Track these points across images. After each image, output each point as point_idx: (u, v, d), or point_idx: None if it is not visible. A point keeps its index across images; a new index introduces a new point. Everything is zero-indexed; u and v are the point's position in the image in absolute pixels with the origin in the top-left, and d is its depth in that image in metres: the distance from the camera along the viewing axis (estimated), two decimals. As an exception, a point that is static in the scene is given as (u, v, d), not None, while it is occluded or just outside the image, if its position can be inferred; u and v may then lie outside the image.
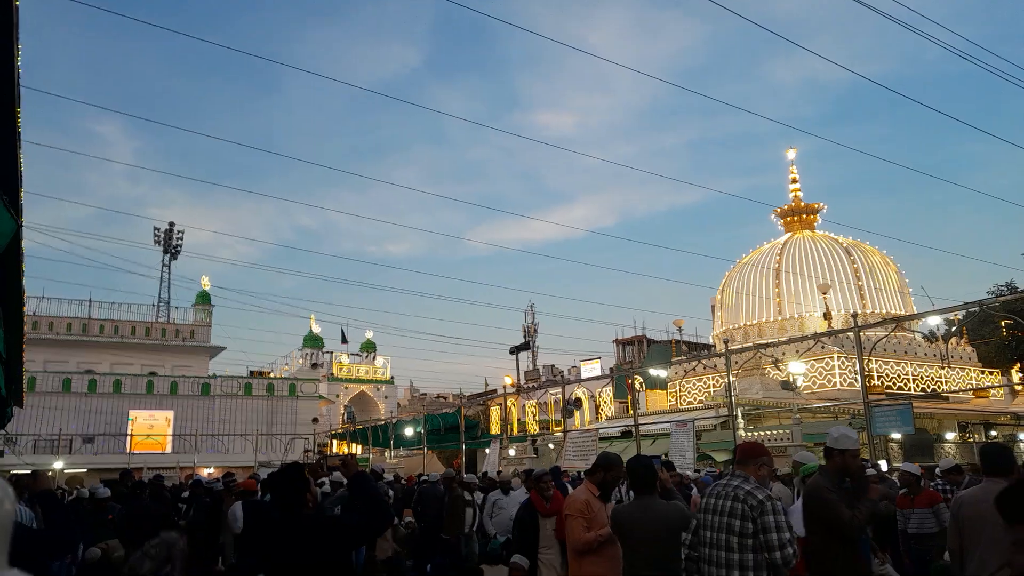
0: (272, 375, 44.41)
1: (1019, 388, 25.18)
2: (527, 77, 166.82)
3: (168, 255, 47.75)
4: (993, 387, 27.52)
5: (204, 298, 44.52)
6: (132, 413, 34.96)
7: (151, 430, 34.92)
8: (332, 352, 46.30)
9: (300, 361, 45.59)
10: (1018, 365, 20.87)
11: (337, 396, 44.29)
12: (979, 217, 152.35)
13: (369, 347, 48.18)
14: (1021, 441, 24.03)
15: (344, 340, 46.93)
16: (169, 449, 34.21)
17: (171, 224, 48.28)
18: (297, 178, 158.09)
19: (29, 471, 17.31)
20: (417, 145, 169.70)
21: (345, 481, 8.18)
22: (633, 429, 19.37)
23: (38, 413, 32.16)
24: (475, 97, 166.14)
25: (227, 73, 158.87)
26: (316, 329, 46.67)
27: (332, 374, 44.75)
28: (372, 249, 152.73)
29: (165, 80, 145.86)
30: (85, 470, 26.55)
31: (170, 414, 35.80)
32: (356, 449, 36.08)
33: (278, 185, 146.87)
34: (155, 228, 48.25)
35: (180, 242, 48.30)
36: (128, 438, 33.68)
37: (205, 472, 27.00)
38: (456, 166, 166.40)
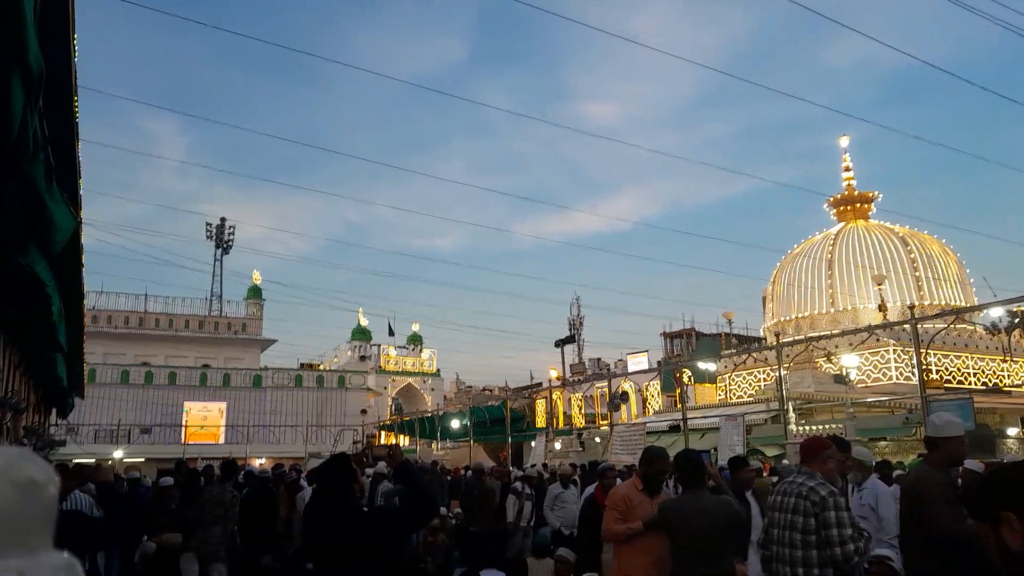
0: (322, 367, 45.14)
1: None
2: (572, 67, 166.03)
3: (220, 250, 48.82)
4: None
5: (255, 292, 45.44)
6: (186, 404, 35.93)
7: (205, 421, 35.84)
8: (380, 345, 46.85)
9: (349, 353, 46.23)
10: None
11: (385, 388, 44.81)
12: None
13: (415, 340, 48.61)
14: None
15: (391, 333, 47.49)
16: (222, 440, 35.05)
17: (223, 219, 49.38)
18: (344, 173, 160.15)
19: (91, 460, 17.91)
20: (461, 138, 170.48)
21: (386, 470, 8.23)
22: (681, 423, 19.16)
23: (98, 404, 33.25)
24: (519, 89, 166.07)
25: (274, 69, 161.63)
26: (364, 322, 47.30)
27: (380, 367, 45.28)
28: (418, 243, 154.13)
29: (213, 76, 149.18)
30: (143, 459, 27.37)
31: (223, 405, 36.68)
32: (403, 441, 36.48)
33: (326, 180, 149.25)
34: (207, 223, 49.43)
35: (232, 237, 49.38)
36: (183, 429, 34.61)
37: (256, 463, 27.56)
38: (500, 158, 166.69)
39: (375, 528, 3.61)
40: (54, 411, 22.06)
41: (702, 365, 27.66)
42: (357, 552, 3.48)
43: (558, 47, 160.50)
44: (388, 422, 39.01)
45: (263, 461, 28.66)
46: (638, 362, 40.94)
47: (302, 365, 44.44)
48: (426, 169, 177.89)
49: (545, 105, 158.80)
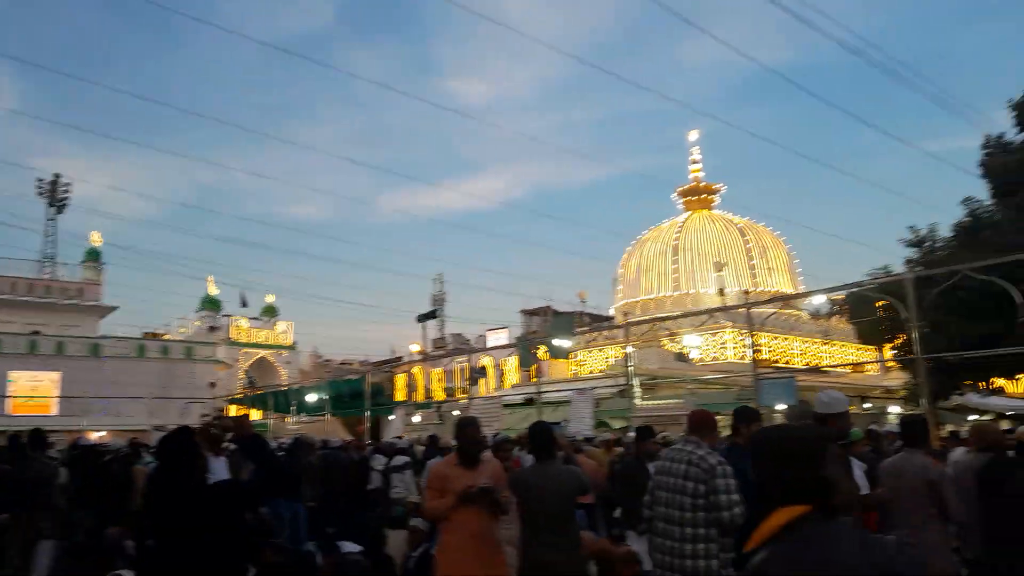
0: (167, 337, 42.82)
1: (891, 364, 27.22)
2: (443, 42, 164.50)
3: (53, 208, 44.92)
4: (868, 362, 29.67)
5: (93, 255, 42.23)
6: (12, 374, 33.11)
7: (35, 392, 33.20)
8: (231, 316, 45.00)
9: (197, 324, 44.09)
10: (890, 344, 22.56)
11: (236, 360, 43.13)
12: (864, 203, 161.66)
13: (270, 312, 47.03)
14: (890, 413, 26.09)
15: (244, 304, 45.65)
16: (55, 412, 32.63)
17: (56, 175, 45.37)
18: (199, 135, 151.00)
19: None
20: (327, 105, 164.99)
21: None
22: (536, 396, 19.92)
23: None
24: (389, 59, 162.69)
25: (126, 21, 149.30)
26: (215, 291, 45.19)
27: (231, 338, 43.50)
28: (277, 210, 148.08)
29: (57, 24, 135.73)
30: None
31: (56, 376, 34.10)
32: (256, 415, 35.42)
33: (180, 141, 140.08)
34: (38, 179, 45.28)
35: (67, 195, 45.49)
36: (6, 400, 31.91)
37: (94, 436, 25.98)
38: (367, 129, 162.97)
39: (219, 502, 3.54)
40: None
41: (557, 342, 28.69)
42: (200, 527, 3.40)
43: (429, 20, 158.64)
44: (239, 395, 37.71)
45: (103, 434, 27.05)
46: (498, 338, 41.80)
47: (145, 335, 42.00)
48: (288, 136, 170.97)
49: (415, 78, 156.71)
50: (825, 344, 30.17)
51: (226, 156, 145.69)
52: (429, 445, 13.00)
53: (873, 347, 27.96)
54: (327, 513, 11.28)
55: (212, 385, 37.77)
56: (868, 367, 30.74)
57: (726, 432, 6.00)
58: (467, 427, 5.10)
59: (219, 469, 9.46)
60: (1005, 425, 12.32)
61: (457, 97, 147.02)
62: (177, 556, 3.47)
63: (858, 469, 5.38)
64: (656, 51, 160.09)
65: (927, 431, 5.19)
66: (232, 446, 8.54)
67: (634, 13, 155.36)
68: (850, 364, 29.36)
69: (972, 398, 20.90)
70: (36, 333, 36.06)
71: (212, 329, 43.35)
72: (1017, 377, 17.78)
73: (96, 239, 42.75)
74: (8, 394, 32.33)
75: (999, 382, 20.88)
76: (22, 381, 33.28)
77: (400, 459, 11.91)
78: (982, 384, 19.37)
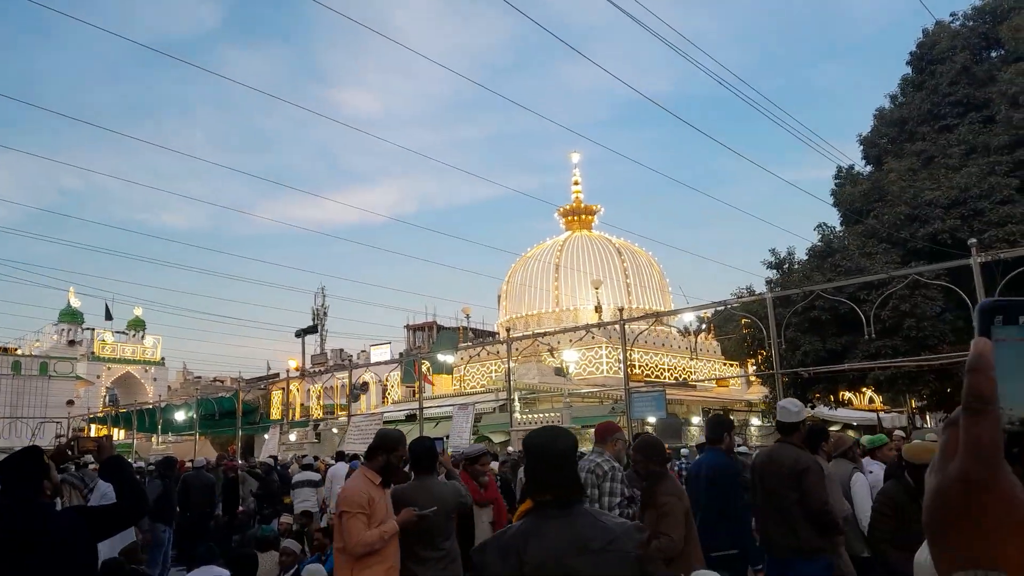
0: (19, 352, 39.70)
1: (752, 379, 28.92)
2: (331, 52, 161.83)
3: None
4: (732, 376, 31.35)
5: (-66, 263, 38.80)
6: None
7: None
8: (94, 329, 42.29)
9: (55, 337, 41.14)
10: (752, 360, 24.01)
11: (98, 377, 40.55)
12: (730, 226, 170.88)
13: (138, 325, 44.55)
14: (752, 424, 27.69)
15: (109, 316, 43.06)
16: None
17: None
18: (66, 136, 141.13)
19: None
20: (203, 109, 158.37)
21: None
22: (418, 412, 19.87)
23: None
24: (273, 64, 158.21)
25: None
26: (76, 303, 42.37)
27: (94, 353, 40.86)
28: (144, 217, 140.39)
29: None
30: None
31: None
32: (119, 434, 33.36)
33: (38, 141, 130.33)
34: None
35: (-96, 196, 41.56)
36: None
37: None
38: (246, 136, 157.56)
39: (69, 529, 3.30)
40: None
41: (441, 357, 28.79)
42: (47, 556, 3.18)
43: (317, 28, 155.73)
44: (101, 414, 35.43)
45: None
46: (381, 353, 41.35)
47: (-5, 349, 38.82)
48: (160, 140, 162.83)
49: (300, 86, 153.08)
50: (693, 359, 31.64)
51: (92, 159, 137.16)
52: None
53: (737, 363, 29.63)
54: (193, 535, 10.89)
55: (70, 403, 35.35)
56: (732, 382, 32.49)
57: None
58: (402, 444, 4.80)
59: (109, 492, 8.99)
60: (852, 435, 13.43)
61: (344, 108, 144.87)
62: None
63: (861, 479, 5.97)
64: (543, 73, 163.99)
65: (730, 427, 5.94)
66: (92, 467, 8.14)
67: (523, 34, 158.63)
68: (715, 379, 30.91)
69: (823, 410, 22.53)
70: None
71: (72, 343, 40.60)
72: (862, 390, 19.36)
73: (-62, 245, 39.25)
74: None
75: (847, 395, 22.61)
76: None
77: (307, 474, 11.91)
78: (831, 397, 20.91)
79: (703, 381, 29.06)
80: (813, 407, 21.74)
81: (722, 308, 19.61)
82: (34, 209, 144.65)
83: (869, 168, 24.01)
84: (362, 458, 4.99)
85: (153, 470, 10.94)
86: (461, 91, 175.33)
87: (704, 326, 29.94)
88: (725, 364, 32.15)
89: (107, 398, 40.98)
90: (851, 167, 24.59)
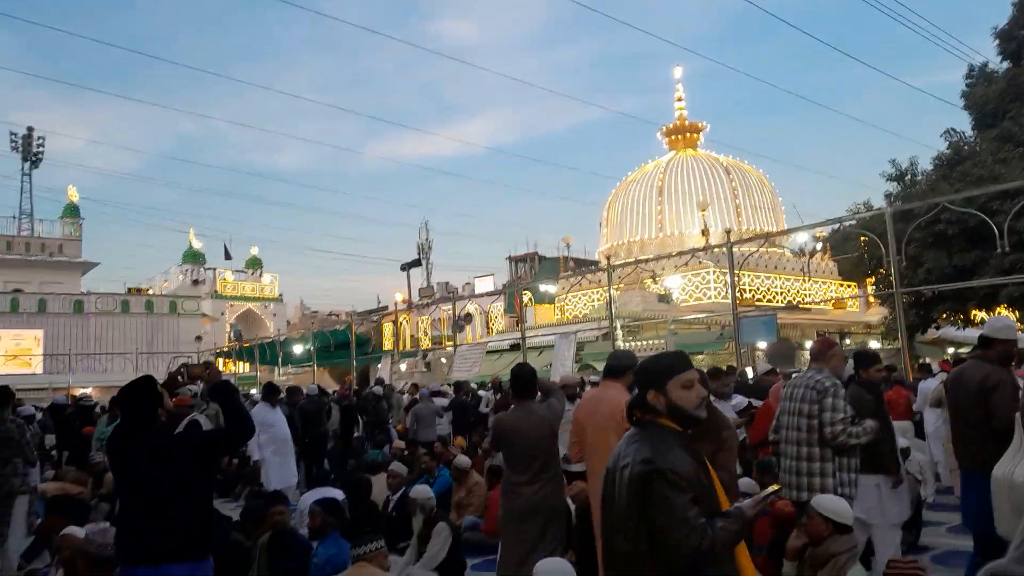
0: (150, 292, 42.58)
1: (871, 300, 27.44)
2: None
3: (28, 163, 44.05)
4: (848, 297, 29.90)
5: (72, 211, 41.68)
6: (-7, 333, 33.02)
7: (17, 349, 33.09)
8: (215, 269, 44.73)
9: (180, 278, 43.82)
10: (872, 279, 22.70)
11: (222, 314, 43.04)
12: (850, 140, 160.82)
13: (255, 264, 46.75)
14: (873, 348, 26.40)
15: (228, 256, 45.36)
16: (40, 370, 32.58)
17: (30, 128, 44.36)
18: (176, 83, 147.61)
19: None
20: (311, 52, 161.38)
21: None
22: (521, 342, 20.01)
23: None
24: (373, 2, 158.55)
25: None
26: (197, 244, 44.83)
27: (217, 291, 43.31)
28: (259, 159, 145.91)
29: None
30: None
31: (39, 333, 33.98)
32: (244, 367, 35.50)
33: (155, 90, 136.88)
34: (11, 133, 44.27)
35: (41, 149, 44.58)
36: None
37: (79, 391, 26.04)
38: (351, 75, 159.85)
39: (180, 452, 3.49)
40: None
41: (542, 287, 28.82)
42: (161, 477, 3.37)
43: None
44: (226, 349, 37.74)
45: (89, 390, 27.10)
46: (485, 284, 41.84)
47: (129, 290, 41.75)
48: (269, 82, 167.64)
49: (401, 20, 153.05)
50: (807, 281, 30.31)
51: (205, 105, 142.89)
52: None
53: (855, 283, 28.13)
54: (310, 459, 11.40)
55: (198, 339, 37.75)
56: (849, 304, 30.98)
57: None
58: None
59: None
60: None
61: (443, 39, 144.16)
62: (138, 510, 3.44)
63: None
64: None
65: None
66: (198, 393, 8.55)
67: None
68: (829, 300, 29.55)
69: (950, 331, 21.15)
70: (17, 291, 35.76)
71: (196, 283, 43.13)
72: (994, 309, 17.97)
73: (73, 194, 42.16)
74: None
75: (979, 315, 21.13)
76: (4, 339, 33.13)
77: (442, 401, 12.82)
78: (960, 316, 19.57)
79: (817, 304, 27.78)
80: (938, 327, 20.43)
81: (837, 226, 18.53)
82: (155, 156, 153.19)
83: (1006, 65, 21.62)
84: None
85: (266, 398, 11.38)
86: (557, 14, 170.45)
87: (820, 246, 28.52)
88: (842, 286, 30.63)
89: (232, 333, 43.55)
90: (984, 65, 22.25)
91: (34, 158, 44.15)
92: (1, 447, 6.88)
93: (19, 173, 43.34)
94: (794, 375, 5.14)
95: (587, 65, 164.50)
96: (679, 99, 37.70)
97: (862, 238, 20.63)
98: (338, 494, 7.66)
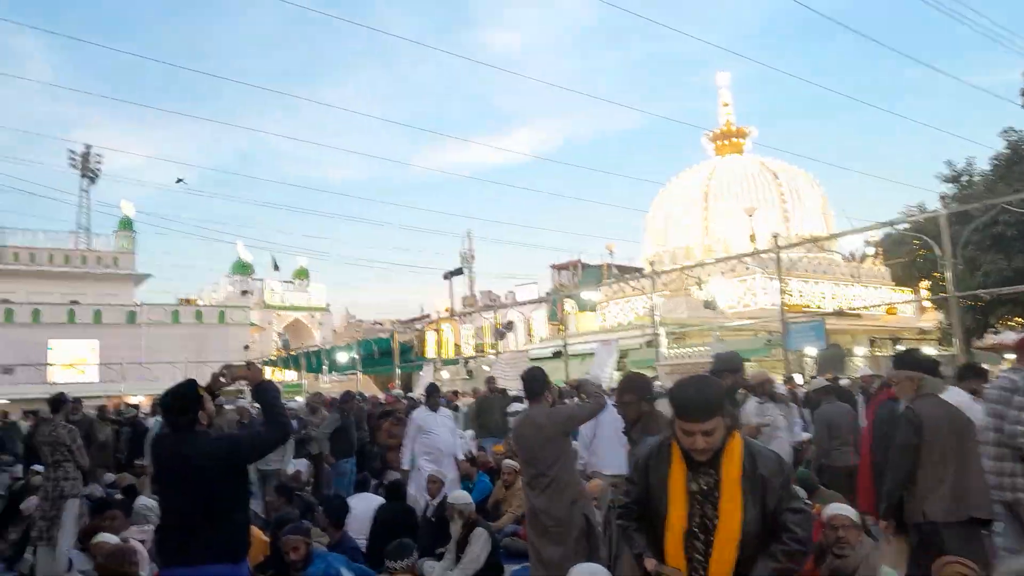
0: (200, 303, 43.53)
1: (926, 305, 26.60)
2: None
3: (86, 179, 45.55)
4: (901, 302, 28.99)
5: (126, 224, 42.95)
6: (52, 343, 34.00)
7: (74, 359, 34.10)
8: (263, 279, 45.59)
9: (229, 288, 44.74)
10: (926, 283, 21.97)
11: (270, 323, 43.80)
12: (903, 142, 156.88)
13: (302, 274, 47.54)
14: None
15: (276, 267, 46.23)
16: (96, 379, 33.50)
17: (88, 146, 45.88)
18: (229, 99, 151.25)
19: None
20: (359, 65, 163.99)
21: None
22: (563, 349, 19.88)
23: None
24: (418, 13, 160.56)
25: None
26: (246, 256, 45.77)
27: (265, 302, 44.11)
28: (311, 173, 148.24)
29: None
30: (7, 401, 25.87)
31: (95, 343, 34.94)
32: (290, 375, 36.04)
33: (210, 106, 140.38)
34: (70, 151, 45.82)
35: (99, 165, 46.07)
36: (48, 368, 32.83)
37: (132, 400, 26.64)
38: (397, 87, 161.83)
39: (219, 453, 3.51)
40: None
41: (585, 295, 28.59)
42: (200, 480, 3.40)
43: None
44: (274, 357, 38.34)
45: (142, 399, 27.71)
46: (527, 292, 41.80)
47: (180, 301, 42.77)
48: (318, 96, 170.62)
49: (445, 31, 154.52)
50: (857, 285, 29.52)
51: (257, 119, 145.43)
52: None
53: (908, 288, 27.29)
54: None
55: (246, 348, 38.41)
56: (902, 308, 30.09)
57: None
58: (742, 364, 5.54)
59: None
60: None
61: (488, 49, 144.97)
62: (179, 512, 3.47)
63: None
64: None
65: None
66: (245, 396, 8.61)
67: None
68: (881, 305, 28.70)
69: (1009, 336, 20.32)
70: (74, 303, 36.87)
71: (244, 293, 43.95)
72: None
73: (127, 208, 43.42)
74: (49, 362, 33.20)
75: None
76: (62, 349, 34.15)
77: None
78: (1020, 321, 18.81)
79: (866, 309, 26.92)
80: (996, 332, 19.67)
81: (889, 228, 17.99)
82: (208, 170, 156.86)
83: (1068, 60, 20.84)
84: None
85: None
86: (601, 20, 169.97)
87: (871, 250, 27.74)
88: (895, 291, 29.73)
89: (279, 342, 44.25)
90: (1046, 61, 21.46)
91: (91, 174, 45.65)
92: (52, 451, 7.03)
93: (77, 189, 44.87)
94: (999, 377, 4.81)
95: (628, 70, 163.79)
96: (725, 104, 37.23)
97: (916, 241, 20.01)
98: (377, 499, 7.64)
